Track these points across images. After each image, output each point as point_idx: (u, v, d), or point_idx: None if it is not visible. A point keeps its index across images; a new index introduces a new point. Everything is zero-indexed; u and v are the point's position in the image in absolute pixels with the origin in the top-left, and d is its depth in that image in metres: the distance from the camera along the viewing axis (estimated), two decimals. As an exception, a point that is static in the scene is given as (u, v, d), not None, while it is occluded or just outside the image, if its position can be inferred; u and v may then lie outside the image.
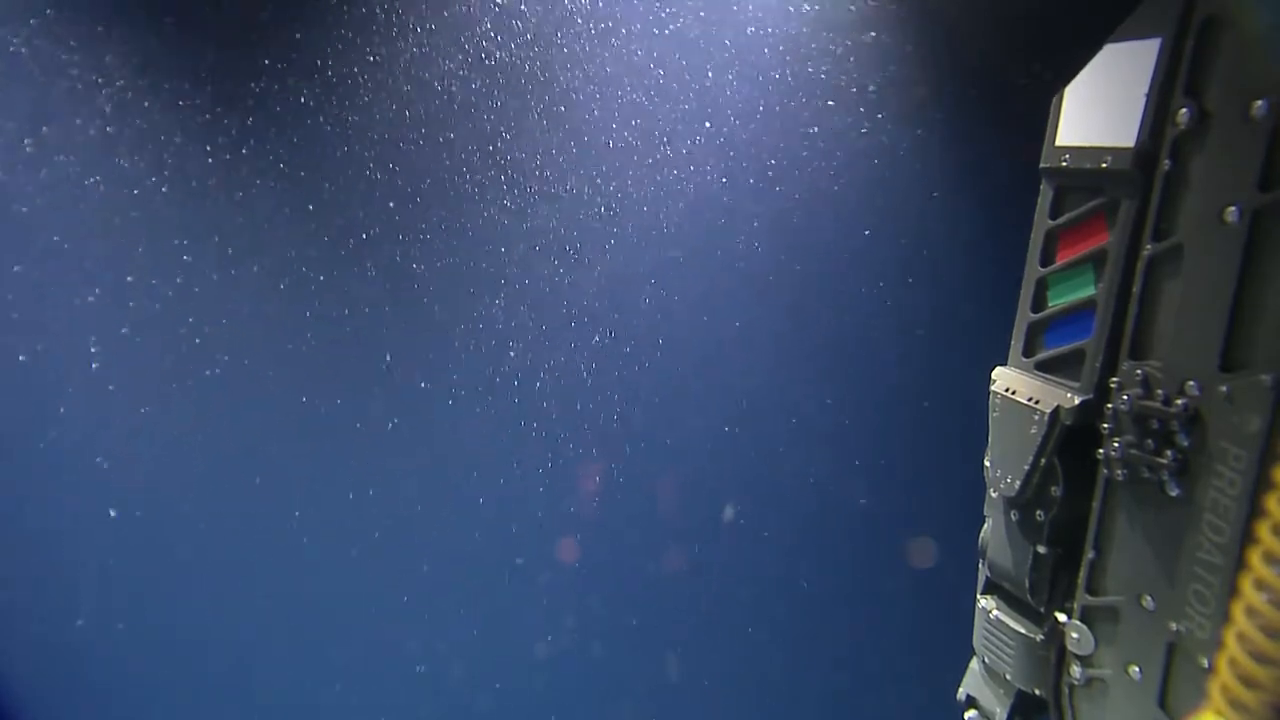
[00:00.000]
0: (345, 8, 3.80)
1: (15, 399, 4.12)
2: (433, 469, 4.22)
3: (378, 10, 3.79)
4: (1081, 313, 1.87)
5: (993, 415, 2.08)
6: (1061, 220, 1.92)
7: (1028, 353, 2.04)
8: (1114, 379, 1.76)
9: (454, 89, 3.87)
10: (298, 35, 3.79)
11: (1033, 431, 1.91)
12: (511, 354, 4.11)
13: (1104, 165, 1.76)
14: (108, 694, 4.49)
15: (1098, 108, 1.81)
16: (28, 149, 3.85)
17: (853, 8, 3.72)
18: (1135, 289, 1.72)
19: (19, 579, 4.35)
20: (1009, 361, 2.10)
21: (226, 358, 4.10)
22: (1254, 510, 1.47)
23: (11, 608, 4.40)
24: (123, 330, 4.05)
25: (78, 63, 3.79)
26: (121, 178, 3.90)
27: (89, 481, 4.18)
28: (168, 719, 4.50)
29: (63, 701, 4.49)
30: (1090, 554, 1.85)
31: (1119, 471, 1.75)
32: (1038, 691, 2.08)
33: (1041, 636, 2.02)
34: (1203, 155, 1.59)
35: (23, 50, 3.75)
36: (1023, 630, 2.07)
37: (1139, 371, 1.71)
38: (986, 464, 2.14)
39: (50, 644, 4.42)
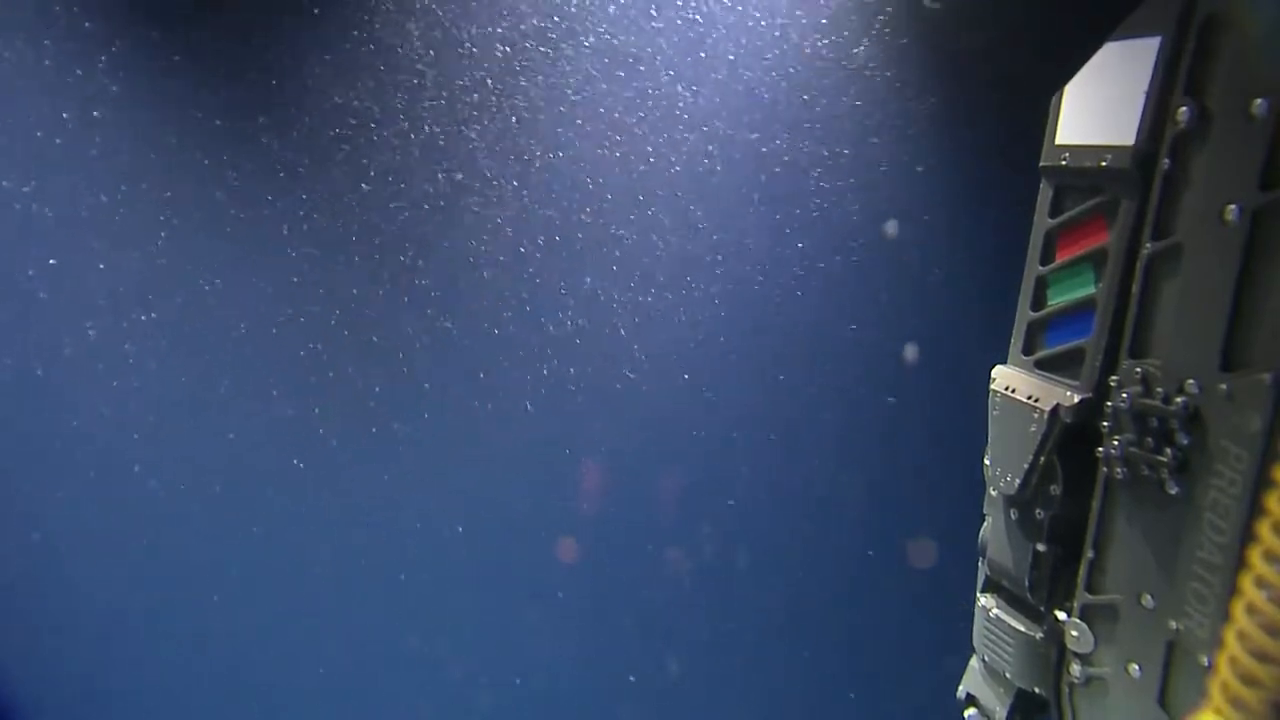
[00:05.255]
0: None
1: (16, 399, 4.12)
2: (434, 469, 4.22)
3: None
4: (1081, 311, 1.87)
5: (992, 413, 2.08)
6: (1061, 219, 1.92)
7: (1027, 351, 2.05)
8: (1114, 377, 1.76)
9: (457, 86, 3.88)
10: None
11: (1032, 430, 1.91)
12: (511, 353, 4.11)
13: (1103, 164, 1.76)
14: (108, 696, 4.49)
15: (1097, 106, 1.82)
16: (36, 149, 3.85)
17: (855, 16, 3.73)
18: (1135, 288, 1.72)
19: (19, 581, 4.35)
20: (1009, 360, 2.10)
21: (236, 358, 4.10)
22: (1254, 509, 1.47)
23: (11, 610, 4.40)
24: (127, 328, 4.06)
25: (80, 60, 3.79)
26: (135, 175, 3.90)
27: (93, 481, 4.19)
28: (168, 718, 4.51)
29: (63, 704, 4.50)
30: (1090, 553, 1.86)
31: (1119, 470, 1.75)
32: (1038, 690, 2.09)
33: (1041, 635, 2.03)
34: (1203, 154, 1.59)
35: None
36: (1022, 628, 2.07)
37: (1139, 370, 1.71)
38: (986, 462, 2.14)
39: (49, 647, 4.42)
